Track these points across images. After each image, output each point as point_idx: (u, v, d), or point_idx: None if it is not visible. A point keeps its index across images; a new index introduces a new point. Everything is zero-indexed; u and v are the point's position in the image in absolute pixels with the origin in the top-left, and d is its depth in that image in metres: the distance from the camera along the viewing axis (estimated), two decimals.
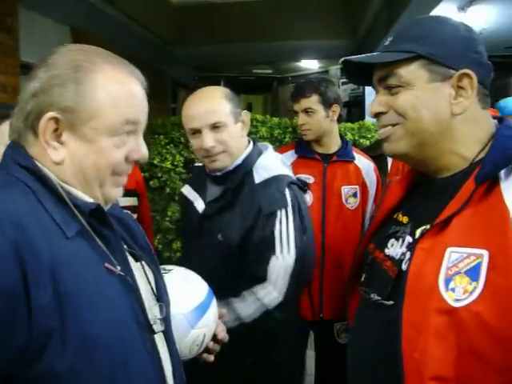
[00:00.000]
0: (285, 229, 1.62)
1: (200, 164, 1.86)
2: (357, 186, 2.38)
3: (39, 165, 0.90)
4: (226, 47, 8.26)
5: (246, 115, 1.75)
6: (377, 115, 1.10)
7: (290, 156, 2.40)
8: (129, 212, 2.57)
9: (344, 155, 2.42)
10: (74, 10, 5.14)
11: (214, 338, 1.33)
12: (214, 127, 1.67)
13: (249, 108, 12.86)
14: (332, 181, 2.36)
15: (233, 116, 1.70)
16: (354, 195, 2.36)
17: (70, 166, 0.92)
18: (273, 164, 1.75)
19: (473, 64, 1.03)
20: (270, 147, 1.85)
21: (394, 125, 1.07)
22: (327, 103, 2.37)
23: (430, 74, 1.03)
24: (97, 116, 0.90)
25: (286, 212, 1.63)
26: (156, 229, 4.22)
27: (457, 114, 1.03)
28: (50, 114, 0.88)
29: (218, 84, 12.88)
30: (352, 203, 2.36)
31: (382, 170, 2.55)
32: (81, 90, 0.89)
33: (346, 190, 2.37)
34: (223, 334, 1.35)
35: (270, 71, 12.46)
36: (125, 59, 0.99)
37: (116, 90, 0.92)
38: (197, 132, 1.69)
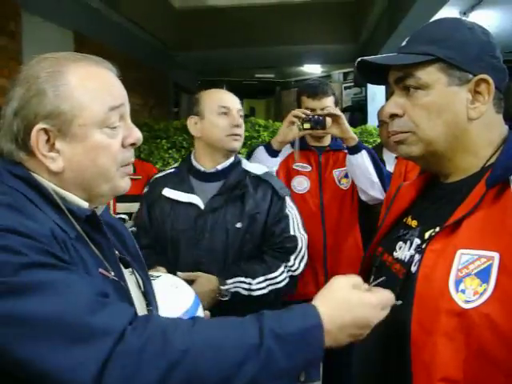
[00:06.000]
0: (294, 211, 1.99)
1: (165, 173, 2.08)
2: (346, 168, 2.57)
3: (32, 173, 0.92)
4: (228, 52, 8.28)
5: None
6: (391, 116, 1.08)
7: (287, 148, 2.57)
8: (126, 218, 2.56)
9: (335, 145, 2.65)
10: (77, 14, 5.16)
11: None
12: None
13: (251, 113, 12.88)
14: (326, 167, 2.60)
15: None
16: (346, 176, 2.57)
17: (70, 173, 0.93)
18: (254, 163, 2.14)
19: (490, 69, 1.02)
20: None
21: (405, 132, 1.06)
22: (336, 104, 2.61)
23: (448, 78, 1.02)
24: (80, 112, 0.91)
25: (290, 198, 2.02)
26: None
27: (473, 118, 1.02)
28: (38, 126, 0.90)
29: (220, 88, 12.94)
30: (345, 183, 2.58)
31: None
32: (57, 92, 0.91)
33: (337, 172, 2.59)
34: None
35: (272, 76, 12.49)
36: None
37: (89, 82, 0.94)
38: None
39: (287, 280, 1.91)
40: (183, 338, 0.80)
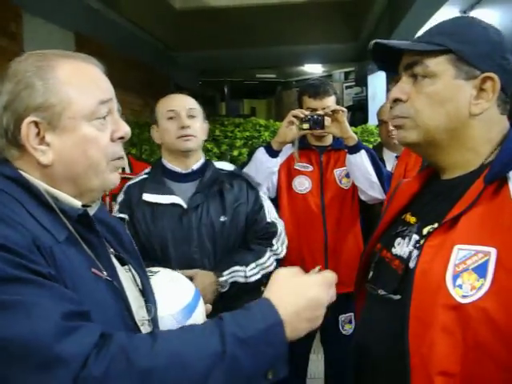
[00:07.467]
0: (267, 200, 2.16)
1: (138, 180, 2.09)
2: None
3: (24, 174, 0.92)
4: (229, 52, 8.29)
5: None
6: (394, 101, 1.11)
7: (288, 148, 2.57)
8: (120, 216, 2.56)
9: (337, 144, 2.62)
10: (78, 15, 5.18)
11: None
12: None
13: (252, 113, 12.89)
14: (327, 166, 2.60)
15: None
16: (347, 175, 2.55)
17: (60, 166, 0.93)
18: (222, 162, 2.24)
19: (498, 68, 1.03)
20: None
21: (405, 117, 1.09)
22: (337, 103, 2.58)
23: (456, 71, 1.03)
24: (70, 105, 0.92)
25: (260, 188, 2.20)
26: None
27: (475, 114, 1.04)
28: (28, 119, 0.91)
29: (221, 89, 12.94)
30: (346, 183, 2.58)
31: None
32: (46, 85, 0.92)
33: (338, 172, 2.58)
34: None
35: (273, 76, 12.51)
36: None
37: (78, 76, 0.95)
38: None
39: (275, 263, 2.07)
40: (146, 357, 0.79)
